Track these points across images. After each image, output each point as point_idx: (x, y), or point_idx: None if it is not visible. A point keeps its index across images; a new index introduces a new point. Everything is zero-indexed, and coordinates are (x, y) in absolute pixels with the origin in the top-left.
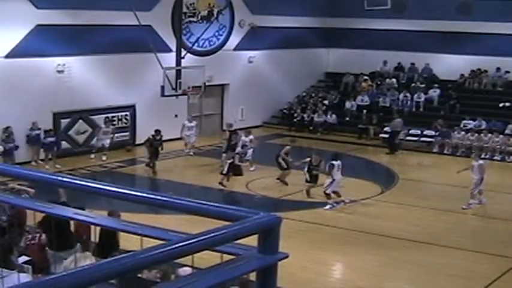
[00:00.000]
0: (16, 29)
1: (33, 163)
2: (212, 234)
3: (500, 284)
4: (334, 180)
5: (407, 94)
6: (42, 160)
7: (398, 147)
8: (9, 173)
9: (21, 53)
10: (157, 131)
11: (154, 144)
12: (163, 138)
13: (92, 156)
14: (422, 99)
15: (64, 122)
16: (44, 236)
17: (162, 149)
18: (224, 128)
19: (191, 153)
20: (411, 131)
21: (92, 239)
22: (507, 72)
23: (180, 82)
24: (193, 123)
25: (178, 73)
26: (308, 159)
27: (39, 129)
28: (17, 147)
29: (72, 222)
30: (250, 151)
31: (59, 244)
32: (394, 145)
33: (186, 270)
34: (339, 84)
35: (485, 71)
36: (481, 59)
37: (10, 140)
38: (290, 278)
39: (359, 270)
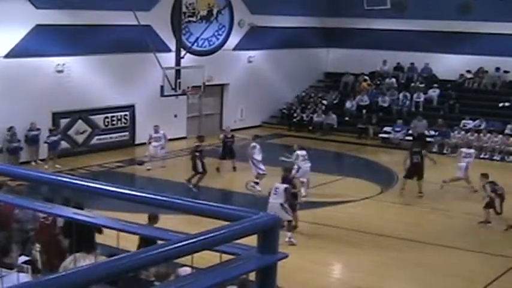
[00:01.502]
0: (15, 28)
1: (32, 163)
2: (212, 234)
3: (499, 284)
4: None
5: (407, 94)
6: (41, 160)
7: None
8: (9, 173)
9: (21, 52)
10: (200, 137)
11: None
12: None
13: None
14: (422, 99)
15: (63, 121)
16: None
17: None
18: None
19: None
20: (410, 131)
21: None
22: (506, 72)
23: (179, 82)
24: (161, 133)
25: (178, 73)
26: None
27: (38, 129)
28: (21, 148)
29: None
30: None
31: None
32: (425, 146)
33: (186, 270)
34: (339, 84)
35: (486, 72)
36: (481, 59)
37: (14, 139)
38: (289, 278)
39: (358, 270)
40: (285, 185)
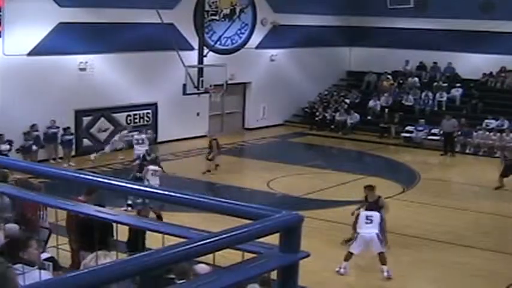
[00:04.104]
0: (39, 26)
1: (51, 161)
2: (234, 233)
3: None
4: None
5: (429, 93)
6: (61, 158)
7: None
8: (31, 170)
9: (44, 50)
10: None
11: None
12: (186, 136)
13: None
14: (445, 98)
15: (86, 119)
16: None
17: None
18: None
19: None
20: (433, 130)
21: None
22: None
23: (202, 80)
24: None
25: (201, 71)
26: None
27: (57, 127)
28: (36, 145)
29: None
30: None
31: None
32: (452, 146)
33: (203, 267)
34: (361, 83)
35: (510, 71)
36: (504, 58)
37: (28, 138)
38: (311, 277)
39: (379, 270)
40: (379, 213)
